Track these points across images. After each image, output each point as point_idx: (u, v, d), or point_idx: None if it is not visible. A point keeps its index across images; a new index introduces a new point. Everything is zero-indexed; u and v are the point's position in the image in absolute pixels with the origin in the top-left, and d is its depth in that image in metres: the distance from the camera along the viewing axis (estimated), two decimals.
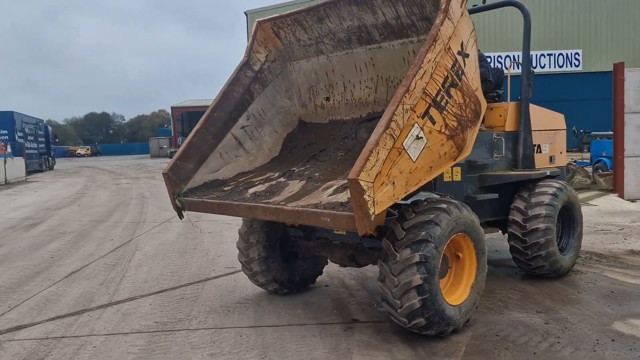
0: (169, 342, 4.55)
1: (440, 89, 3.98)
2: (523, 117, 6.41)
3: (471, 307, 4.58)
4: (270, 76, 5.64)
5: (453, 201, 4.48)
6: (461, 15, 4.16)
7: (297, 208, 3.97)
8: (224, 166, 5.32)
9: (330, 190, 4.31)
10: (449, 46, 4.04)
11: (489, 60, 7.62)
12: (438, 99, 3.97)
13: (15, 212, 13.75)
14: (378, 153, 3.51)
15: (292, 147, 5.67)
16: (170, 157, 56.36)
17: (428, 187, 5.86)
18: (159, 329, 4.87)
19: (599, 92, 30.19)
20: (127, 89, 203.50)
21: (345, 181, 4.36)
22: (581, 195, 13.23)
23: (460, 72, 4.16)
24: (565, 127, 7.22)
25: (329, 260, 6.16)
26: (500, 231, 6.50)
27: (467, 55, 4.25)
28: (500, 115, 6.50)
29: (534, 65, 32.46)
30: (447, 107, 4.05)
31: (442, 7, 4.00)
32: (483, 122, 6.50)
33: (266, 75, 5.61)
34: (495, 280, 6.13)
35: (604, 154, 15.36)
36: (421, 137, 3.85)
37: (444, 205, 4.32)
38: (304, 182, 4.73)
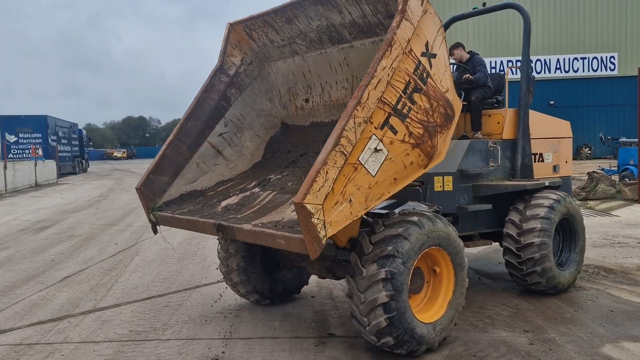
0: (136, 352, 4.48)
1: (401, 95, 3.75)
2: (522, 125, 6.12)
3: (448, 324, 4.35)
4: (248, 79, 5.48)
5: (426, 213, 4.27)
6: (424, 14, 3.89)
7: (255, 229, 3.83)
8: (202, 176, 5.23)
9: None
10: (410, 48, 3.79)
11: (491, 65, 7.32)
12: (399, 107, 3.75)
13: (33, 215, 14.10)
14: (327, 173, 3.32)
15: (275, 151, 5.54)
16: None
17: (417, 197, 5.68)
18: (131, 338, 4.81)
19: (634, 96, 29.06)
20: (164, 93, 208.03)
21: None
22: (604, 205, 12.67)
23: (425, 75, 3.92)
24: (571, 135, 6.87)
25: None
26: (498, 244, 6.22)
27: (433, 56, 3.99)
28: (498, 123, 6.23)
29: (567, 69, 31.52)
30: (410, 115, 3.83)
31: (399, 8, 3.75)
32: (480, 129, 6.26)
33: (243, 79, 5.45)
34: (489, 294, 5.86)
35: (631, 162, 14.67)
36: (380, 149, 3.65)
37: (415, 218, 4.12)
38: (275, 193, 4.60)
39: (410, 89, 3.82)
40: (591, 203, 13.03)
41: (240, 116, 5.41)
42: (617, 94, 30.31)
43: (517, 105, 6.19)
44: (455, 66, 6.74)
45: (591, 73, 31.06)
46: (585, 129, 30.24)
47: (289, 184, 4.73)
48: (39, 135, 32.36)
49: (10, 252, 8.98)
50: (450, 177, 5.53)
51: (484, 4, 6.78)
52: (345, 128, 3.41)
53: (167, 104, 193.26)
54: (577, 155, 29.13)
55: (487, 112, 6.34)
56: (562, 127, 6.78)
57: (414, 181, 4.28)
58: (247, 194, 4.80)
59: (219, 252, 5.57)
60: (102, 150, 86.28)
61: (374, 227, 4.15)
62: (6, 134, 32.13)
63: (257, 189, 4.85)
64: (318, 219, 3.27)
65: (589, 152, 30.82)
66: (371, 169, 3.61)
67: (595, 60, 30.83)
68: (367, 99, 3.52)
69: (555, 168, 6.61)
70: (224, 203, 4.74)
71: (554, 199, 5.71)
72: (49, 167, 27.86)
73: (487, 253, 8.00)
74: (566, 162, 6.77)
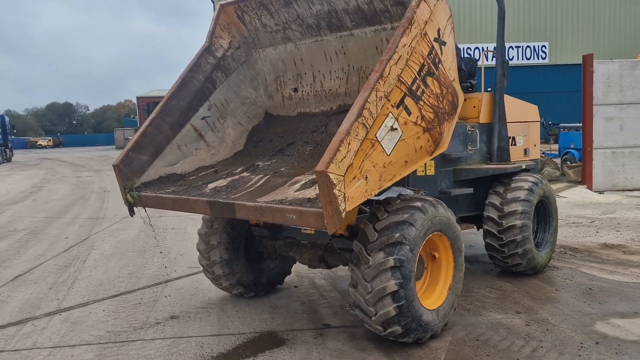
0: (121, 355, 4.13)
1: (416, 77, 3.68)
2: (498, 109, 6.17)
3: (449, 310, 4.31)
4: (234, 64, 5.22)
5: (428, 198, 4.18)
6: (438, 0, 3.88)
7: (259, 204, 3.60)
8: (183, 159, 4.89)
9: (297, 186, 3.96)
10: (425, 31, 3.75)
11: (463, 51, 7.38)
12: (414, 88, 3.67)
13: None
14: (349, 144, 3.19)
15: (258, 141, 5.28)
16: None
17: (401, 182, 5.57)
18: (111, 340, 4.44)
19: (565, 84, 30.61)
20: (91, 78, 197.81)
21: (314, 176, 4.03)
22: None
23: (437, 61, 3.88)
24: (539, 119, 7.03)
25: (296, 260, 5.85)
26: (475, 227, 6.28)
27: (444, 43, 3.97)
28: (474, 107, 6.24)
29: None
30: (423, 97, 3.75)
31: None
32: None
33: (229, 63, 5.19)
34: (471, 277, 5.89)
35: (572, 146, 15.43)
36: (396, 129, 3.54)
37: (419, 204, 4.01)
38: (268, 176, 4.36)
39: (424, 72, 3.75)
40: None
41: (225, 101, 5.12)
42: (550, 82, 31.77)
43: (487, 90, 6.24)
44: None
45: (525, 61, 32.35)
46: None
47: (282, 169, 4.50)
48: None
49: None
50: (432, 162, 5.48)
51: None
52: (368, 100, 3.29)
53: (96, 89, 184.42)
54: None
55: (463, 96, 6.34)
56: (531, 111, 6.92)
57: None
58: (236, 177, 4.53)
59: (198, 245, 5.25)
60: (26, 138, 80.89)
61: (376, 214, 4.01)
62: None
63: (246, 173, 4.58)
64: (339, 190, 3.12)
65: None
66: (386, 147, 3.50)
67: (528, 49, 32.13)
68: (389, 73, 3.43)
69: (526, 151, 6.74)
70: (211, 185, 4.44)
71: (532, 182, 5.80)
72: None
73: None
74: (535, 145, 6.92)
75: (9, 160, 38.77)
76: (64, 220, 10.82)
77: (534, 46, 31.96)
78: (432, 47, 3.84)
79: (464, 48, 28.98)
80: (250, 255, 5.34)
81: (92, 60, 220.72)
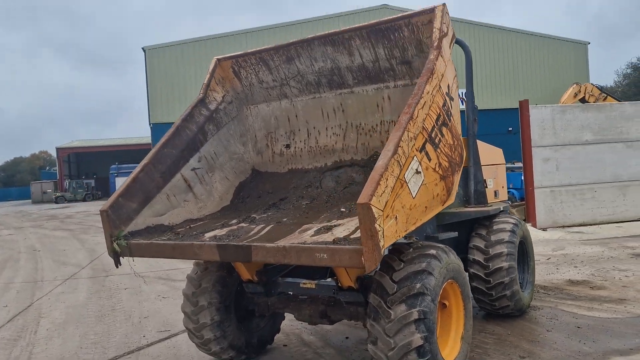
0: None
1: (434, 125, 3.72)
2: (472, 153, 6.31)
3: None
4: (226, 118, 5.14)
5: (440, 245, 4.11)
6: (449, 60, 4.06)
7: (282, 245, 3.36)
8: (171, 210, 4.58)
9: (311, 232, 3.75)
10: (440, 85, 3.85)
11: None
12: (433, 135, 3.70)
13: None
14: (387, 179, 3.11)
15: (245, 197, 5.06)
16: (56, 202, 52.02)
17: None
18: None
19: (489, 128, 32.52)
20: (1, 129, 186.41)
21: (325, 224, 3.85)
22: None
23: (449, 113, 3.98)
24: (504, 162, 7.29)
25: (284, 316, 5.55)
26: None
27: (452, 99, 4.10)
28: None
29: None
30: (440, 146, 3.80)
31: (435, 45, 3.89)
32: None
33: (221, 117, 5.10)
34: None
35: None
36: (420, 172, 3.52)
37: (433, 251, 3.93)
38: (272, 225, 4.12)
39: (440, 122, 3.82)
40: None
41: (214, 154, 4.97)
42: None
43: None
44: None
45: None
46: None
47: (284, 219, 4.28)
48: None
49: None
50: None
51: None
52: (402, 139, 3.27)
53: (5, 141, 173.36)
54: None
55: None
56: (498, 154, 7.16)
57: None
58: (234, 227, 4.24)
59: (184, 306, 4.83)
60: None
61: (390, 264, 3.87)
62: None
63: (244, 224, 4.31)
64: (379, 225, 2.99)
65: None
66: (412, 189, 3.44)
67: None
68: (417, 116, 3.47)
69: (496, 193, 6.91)
70: (209, 234, 4.12)
71: (513, 223, 5.92)
72: None
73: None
74: (502, 187, 7.14)
75: None
76: None
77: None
78: (446, 100, 3.93)
79: None
80: (240, 314, 4.98)
81: (1, 111, 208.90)
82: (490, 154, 6.92)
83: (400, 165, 3.25)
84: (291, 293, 4.79)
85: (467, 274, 4.41)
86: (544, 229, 12.80)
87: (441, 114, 3.83)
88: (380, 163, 3.16)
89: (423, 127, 3.56)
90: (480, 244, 5.78)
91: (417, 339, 3.57)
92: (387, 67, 4.39)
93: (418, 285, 3.67)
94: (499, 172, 7.02)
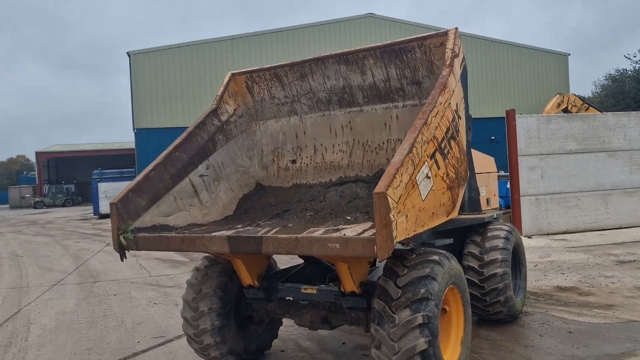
0: None
1: (444, 136, 3.90)
2: (467, 161, 6.42)
3: None
4: (235, 131, 5.30)
5: (442, 252, 4.18)
6: (459, 81, 4.28)
7: (294, 235, 3.41)
8: (177, 212, 4.62)
9: (321, 231, 3.81)
10: (450, 101, 4.03)
11: None
12: (442, 145, 3.86)
13: None
14: (402, 175, 3.24)
15: (248, 208, 5.13)
16: (35, 207, 51.13)
17: None
18: None
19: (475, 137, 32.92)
20: None
21: (332, 227, 3.90)
22: None
23: (457, 129, 4.17)
24: (496, 170, 7.43)
25: (282, 322, 5.56)
26: None
27: (460, 117, 4.30)
28: None
29: None
30: (448, 157, 3.96)
31: (447, 63, 4.10)
32: None
33: (231, 129, 5.27)
34: None
35: None
36: (430, 177, 3.65)
37: (436, 257, 4.00)
38: (278, 229, 4.15)
39: (450, 134, 3.99)
40: None
41: (221, 164, 5.09)
42: None
43: None
44: None
45: None
46: None
47: (290, 225, 4.32)
48: None
49: None
50: None
51: None
52: (416, 140, 3.41)
53: None
54: None
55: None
56: (490, 163, 7.30)
57: None
58: (241, 229, 4.27)
59: (183, 312, 4.82)
60: None
61: (394, 269, 3.93)
62: None
63: (250, 227, 4.34)
64: (394, 216, 3.09)
65: None
66: (422, 192, 3.55)
67: None
68: (430, 123, 3.61)
69: (488, 201, 7.05)
70: (217, 234, 4.14)
71: (507, 230, 6.03)
72: None
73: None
74: (494, 194, 7.28)
75: None
76: None
77: None
78: (454, 116, 4.12)
79: None
80: (239, 320, 4.98)
81: None
82: (482, 162, 7.06)
83: (414, 164, 3.38)
84: (291, 299, 4.81)
85: (465, 279, 4.48)
86: (530, 237, 13.07)
87: (450, 127, 4.00)
88: (396, 159, 3.29)
89: (434, 135, 3.70)
90: (475, 250, 5.87)
91: (421, 343, 3.63)
92: (398, 87, 4.57)
93: (422, 291, 3.73)
94: (491, 180, 7.16)
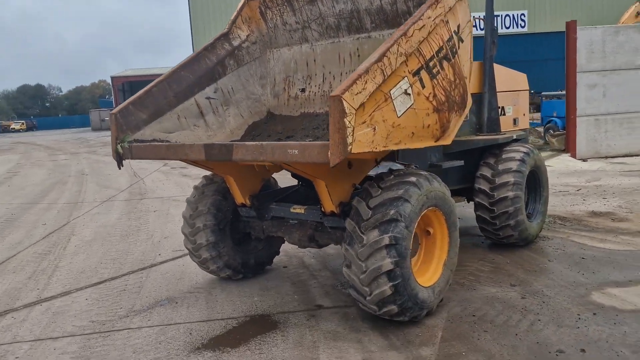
0: (107, 346, 3.96)
1: (434, 55, 3.73)
2: (487, 78, 6.00)
3: (444, 286, 4.21)
4: (248, 57, 5.28)
5: (422, 173, 4.04)
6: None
7: (259, 143, 3.46)
8: (180, 131, 4.75)
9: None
10: (448, 19, 3.83)
11: None
12: (431, 64, 3.69)
13: None
14: (366, 82, 3.13)
15: (256, 135, 5.18)
16: None
17: (391, 156, 5.43)
18: (95, 330, 4.26)
19: (544, 52, 30.61)
20: (63, 58, 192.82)
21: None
22: None
23: (454, 50, 3.96)
24: (528, 88, 6.90)
25: (285, 240, 5.70)
26: (465, 200, 6.17)
27: (461, 40, 4.07)
28: None
29: (482, 26, 32.39)
30: (437, 77, 3.78)
31: None
32: None
33: (243, 55, 5.25)
34: (462, 251, 5.76)
35: (554, 114, 15.41)
36: (409, 94, 3.51)
37: (413, 179, 3.87)
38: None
39: (442, 55, 3.81)
40: None
41: (231, 89, 5.12)
42: (529, 50, 31.72)
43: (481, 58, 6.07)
44: None
45: (504, 30, 32.19)
46: None
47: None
48: None
49: None
50: None
51: None
52: (390, 50, 3.29)
53: (68, 70, 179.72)
54: None
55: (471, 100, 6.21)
56: (520, 80, 6.78)
57: None
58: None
59: (183, 228, 5.06)
60: None
61: (369, 190, 3.86)
62: None
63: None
64: (349, 122, 3.03)
65: None
66: (398, 108, 3.43)
67: (507, 18, 31.95)
68: (412, 35, 3.47)
69: (515, 121, 6.62)
70: (197, 143, 4.28)
71: (524, 152, 5.69)
72: None
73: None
74: (524, 114, 6.81)
75: None
76: (41, 206, 10.47)
77: (512, 15, 31.78)
78: (452, 36, 3.91)
79: None
80: (236, 237, 5.16)
81: (63, 40, 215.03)
82: (510, 80, 6.56)
83: (384, 74, 3.25)
84: (282, 217, 4.89)
85: (453, 201, 4.32)
86: (584, 160, 12.30)
87: (444, 47, 3.81)
88: (361, 67, 3.19)
89: (419, 51, 3.55)
90: (487, 172, 5.63)
91: (387, 264, 3.61)
92: (404, 10, 4.39)
93: (392, 212, 3.66)
94: (520, 99, 6.67)
